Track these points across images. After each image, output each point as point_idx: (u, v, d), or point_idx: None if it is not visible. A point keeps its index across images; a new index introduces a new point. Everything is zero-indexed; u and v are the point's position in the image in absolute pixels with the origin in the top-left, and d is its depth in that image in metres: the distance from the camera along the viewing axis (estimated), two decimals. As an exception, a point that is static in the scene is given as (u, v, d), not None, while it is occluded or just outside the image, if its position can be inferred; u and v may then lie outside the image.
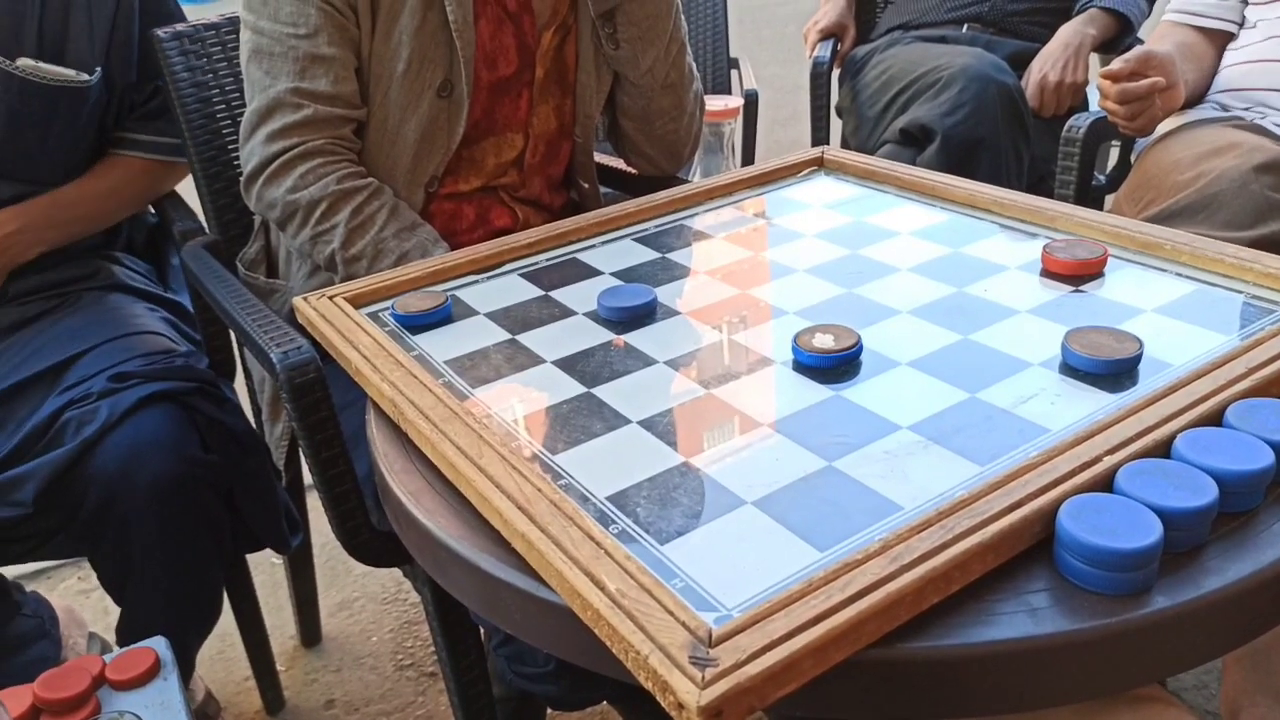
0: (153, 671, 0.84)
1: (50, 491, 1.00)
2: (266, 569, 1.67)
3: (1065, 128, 1.46)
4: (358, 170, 1.06)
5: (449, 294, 0.85)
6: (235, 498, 1.11)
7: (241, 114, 1.09)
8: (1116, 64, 1.25)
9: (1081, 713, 0.60)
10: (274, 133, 1.05)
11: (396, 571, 1.60)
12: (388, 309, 0.84)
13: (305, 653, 1.53)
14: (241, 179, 1.10)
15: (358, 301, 0.85)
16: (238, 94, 1.27)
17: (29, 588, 1.34)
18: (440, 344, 0.79)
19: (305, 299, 0.84)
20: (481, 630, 1.06)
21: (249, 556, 1.29)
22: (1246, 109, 1.39)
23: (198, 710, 1.33)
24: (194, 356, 1.16)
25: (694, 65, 1.23)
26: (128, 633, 1.14)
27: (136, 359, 1.09)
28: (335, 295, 0.85)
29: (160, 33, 1.23)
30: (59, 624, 1.35)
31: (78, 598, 1.63)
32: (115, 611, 1.12)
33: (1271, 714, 0.92)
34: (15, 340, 1.17)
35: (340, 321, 0.80)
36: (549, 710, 1.29)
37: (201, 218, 1.32)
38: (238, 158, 1.22)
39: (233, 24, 1.26)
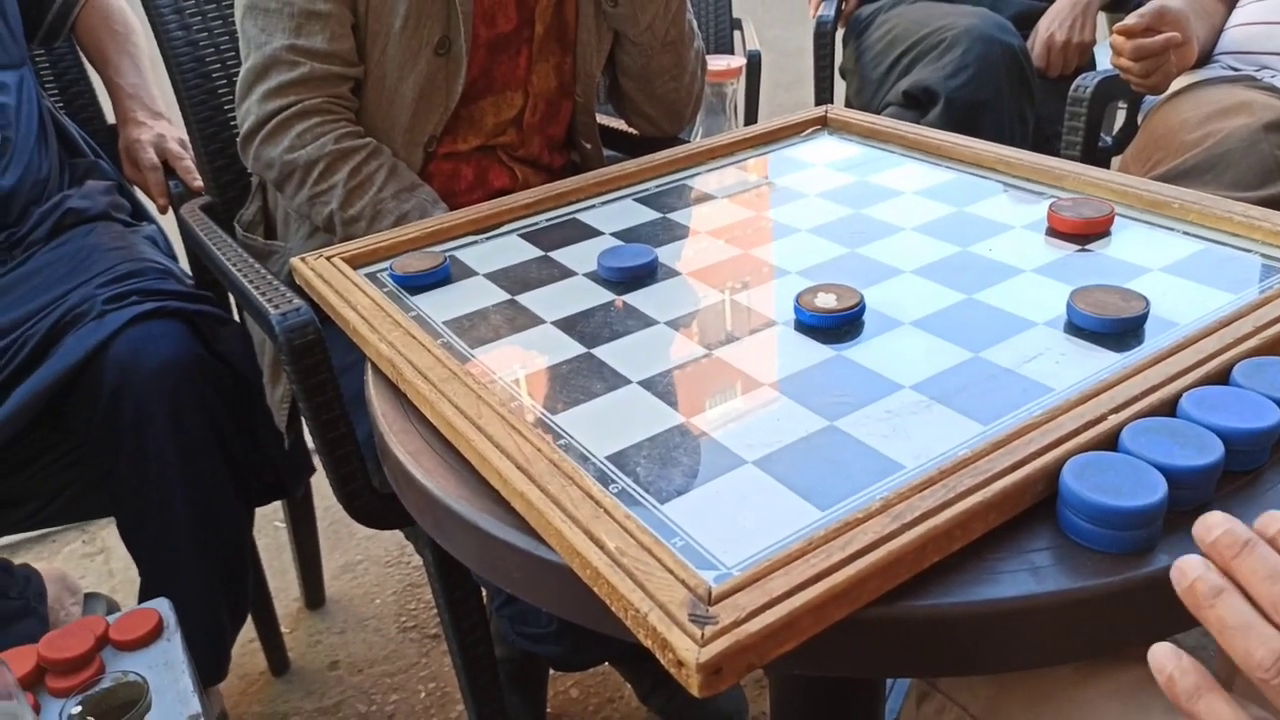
0: (156, 632, 0.84)
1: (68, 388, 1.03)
2: (270, 532, 1.68)
3: (1072, 87, 1.44)
4: (355, 130, 1.05)
5: (448, 254, 0.84)
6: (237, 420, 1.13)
7: (237, 74, 1.08)
8: (1131, 19, 1.22)
9: (1083, 671, 0.60)
10: (270, 91, 1.03)
11: (399, 534, 1.60)
12: (386, 269, 0.83)
13: (309, 615, 1.54)
14: (238, 138, 1.09)
15: (356, 262, 0.84)
16: (233, 53, 1.25)
17: (33, 551, 1.33)
18: (439, 305, 0.78)
19: (303, 260, 0.84)
20: (484, 592, 1.06)
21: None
22: (1257, 70, 1.37)
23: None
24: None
25: (695, 23, 1.21)
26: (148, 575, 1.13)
27: (136, 277, 1.11)
28: (333, 256, 0.84)
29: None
30: (47, 598, 1.34)
31: (82, 561, 1.64)
32: (120, 573, 1.13)
33: None
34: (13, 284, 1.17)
35: (338, 282, 0.80)
36: (551, 670, 1.30)
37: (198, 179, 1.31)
38: (234, 118, 1.21)
39: (228, -18, 1.25)
